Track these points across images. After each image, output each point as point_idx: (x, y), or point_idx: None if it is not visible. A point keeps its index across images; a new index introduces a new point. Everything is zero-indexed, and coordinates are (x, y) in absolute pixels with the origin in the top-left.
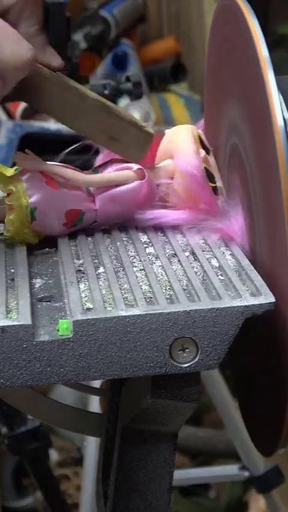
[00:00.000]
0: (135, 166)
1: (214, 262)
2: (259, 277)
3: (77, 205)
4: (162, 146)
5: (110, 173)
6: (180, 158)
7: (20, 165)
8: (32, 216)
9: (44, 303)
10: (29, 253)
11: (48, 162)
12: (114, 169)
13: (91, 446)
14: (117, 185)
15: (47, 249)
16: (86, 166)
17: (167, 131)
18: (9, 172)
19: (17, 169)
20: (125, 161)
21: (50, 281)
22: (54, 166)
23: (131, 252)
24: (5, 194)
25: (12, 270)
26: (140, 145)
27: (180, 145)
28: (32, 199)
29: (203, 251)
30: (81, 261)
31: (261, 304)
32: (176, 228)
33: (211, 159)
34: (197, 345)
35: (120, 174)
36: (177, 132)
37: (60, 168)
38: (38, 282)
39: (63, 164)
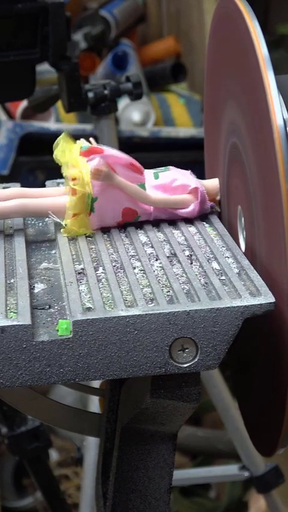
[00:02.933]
0: (192, 184)
1: (214, 262)
2: (259, 277)
3: (134, 205)
4: None
5: (172, 197)
6: None
7: (94, 179)
8: (91, 206)
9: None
10: (29, 253)
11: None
12: (173, 184)
13: (91, 446)
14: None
15: (46, 249)
16: None
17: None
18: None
19: (84, 147)
20: (183, 172)
21: (50, 282)
22: (123, 181)
23: (131, 252)
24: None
25: (12, 270)
26: None
27: None
28: (95, 189)
29: (202, 251)
30: (81, 262)
31: (261, 304)
32: (175, 227)
33: None
34: (196, 345)
35: (180, 199)
36: None
37: (128, 184)
38: (37, 283)
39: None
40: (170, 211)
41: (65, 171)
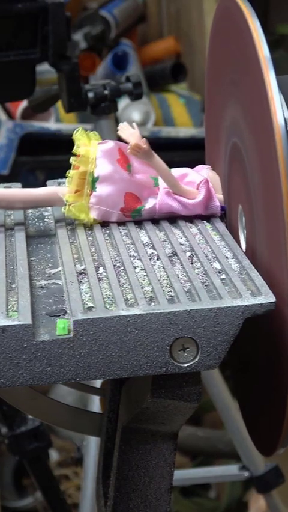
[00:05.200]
0: (198, 180)
1: (215, 262)
2: (260, 277)
3: (138, 192)
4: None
5: (186, 188)
6: None
7: (132, 154)
8: (93, 185)
9: (45, 299)
10: (30, 253)
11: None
12: (185, 179)
13: (91, 445)
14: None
15: (47, 248)
16: None
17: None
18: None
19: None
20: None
21: (50, 281)
22: (160, 162)
23: (132, 252)
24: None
25: (13, 270)
26: None
27: None
28: (98, 169)
29: (203, 251)
30: (81, 261)
31: (261, 304)
32: (176, 227)
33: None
34: (197, 345)
35: (192, 192)
36: None
37: (164, 167)
38: (38, 282)
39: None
40: (178, 201)
41: (76, 150)
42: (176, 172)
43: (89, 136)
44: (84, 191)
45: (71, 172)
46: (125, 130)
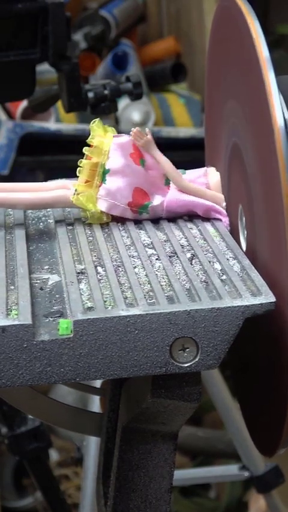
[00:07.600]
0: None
1: (215, 262)
2: (259, 277)
3: (147, 187)
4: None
5: (204, 189)
6: None
7: (134, 139)
8: (103, 177)
9: (44, 294)
10: (29, 253)
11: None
12: (198, 180)
13: (91, 445)
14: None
15: (47, 248)
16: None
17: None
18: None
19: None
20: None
21: (50, 282)
22: (160, 154)
23: (132, 252)
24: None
25: (13, 270)
26: None
27: None
28: (109, 161)
29: (203, 251)
30: (81, 261)
31: (261, 304)
32: (176, 227)
33: None
34: (197, 345)
35: (211, 194)
36: None
37: (165, 159)
38: (38, 283)
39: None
40: (187, 202)
41: (89, 141)
42: (191, 174)
43: (105, 129)
44: (94, 182)
45: (82, 162)
46: (138, 137)
